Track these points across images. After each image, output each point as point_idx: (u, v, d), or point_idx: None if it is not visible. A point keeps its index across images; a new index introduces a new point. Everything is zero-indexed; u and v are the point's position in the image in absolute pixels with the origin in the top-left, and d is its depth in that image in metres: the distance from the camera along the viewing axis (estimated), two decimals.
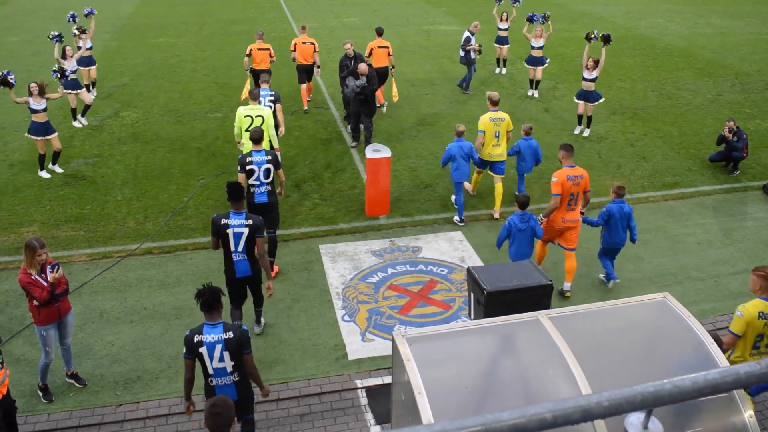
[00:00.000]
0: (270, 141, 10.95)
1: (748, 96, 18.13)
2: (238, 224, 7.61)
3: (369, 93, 13.33)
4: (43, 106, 12.10)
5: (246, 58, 15.64)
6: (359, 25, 25.18)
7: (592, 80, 14.36)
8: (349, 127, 14.64)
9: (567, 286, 9.37)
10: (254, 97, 11.31)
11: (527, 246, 8.82)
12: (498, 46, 19.16)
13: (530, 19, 17.48)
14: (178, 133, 14.94)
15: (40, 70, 19.00)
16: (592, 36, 14.65)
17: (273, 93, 12.13)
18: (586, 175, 9.16)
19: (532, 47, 17.03)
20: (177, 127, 15.33)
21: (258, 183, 9.22)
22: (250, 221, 7.62)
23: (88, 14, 16.97)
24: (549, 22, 17.16)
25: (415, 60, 21.05)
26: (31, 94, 11.97)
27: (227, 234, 7.64)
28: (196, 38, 24.06)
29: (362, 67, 13.26)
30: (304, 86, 16.19)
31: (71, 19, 16.28)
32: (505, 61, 19.57)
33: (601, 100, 14.74)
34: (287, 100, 16.19)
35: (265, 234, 7.86)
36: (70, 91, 14.37)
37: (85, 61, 16.13)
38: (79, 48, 15.51)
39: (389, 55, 15.70)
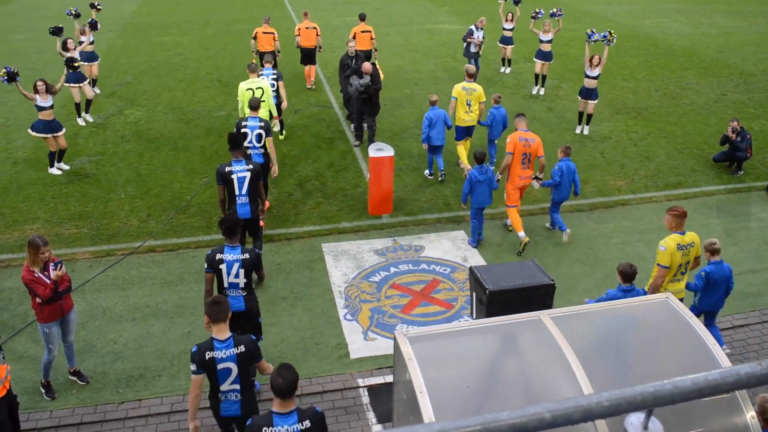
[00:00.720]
0: (270, 111, 12.18)
1: (752, 96, 18.08)
2: (240, 169, 8.66)
3: (372, 92, 13.32)
4: (49, 103, 12.14)
5: (252, 41, 17.03)
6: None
7: (595, 77, 14.34)
8: (352, 126, 14.65)
9: (521, 235, 10.49)
10: (252, 70, 12.20)
11: (487, 195, 10.29)
12: (502, 45, 19.12)
13: (534, 16, 17.43)
14: (182, 132, 14.96)
15: (44, 68, 19.05)
16: (592, 36, 14.57)
17: (276, 72, 13.33)
18: (538, 140, 10.49)
19: (541, 41, 17.00)
20: (180, 125, 15.35)
21: (251, 146, 10.32)
22: (251, 166, 8.76)
23: (92, 6, 17.03)
24: (559, 18, 17.13)
25: (418, 59, 21.04)
26: (37, 92, 11.99)
27: (232, 180, 8.72)
28: (200, 37, 24.08)
29: (366, 66, 13.25)
30: (307, 68, 17.78)
31: (72, 13, 16.30)
32: (509, 61, 19.55)
33: (597, 100, 14.74)
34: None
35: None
36: (73, 84, 14.39)
37: (88, 57, 16.16)
38: (80, 42, 15.54)
39: (372, 38, 17.11)
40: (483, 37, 17.69)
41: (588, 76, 14.40)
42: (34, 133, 12.37)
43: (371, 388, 7.68)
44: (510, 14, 18.67)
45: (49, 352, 7.28)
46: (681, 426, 4.61)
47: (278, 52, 16.89)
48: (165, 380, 7.76)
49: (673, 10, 30.21)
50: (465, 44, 17.71)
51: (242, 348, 5.69)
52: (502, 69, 19.70)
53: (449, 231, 11.06)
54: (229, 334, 5.69)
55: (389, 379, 7.48)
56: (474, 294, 6.94)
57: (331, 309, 9.05)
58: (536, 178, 10.59)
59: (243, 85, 11.90)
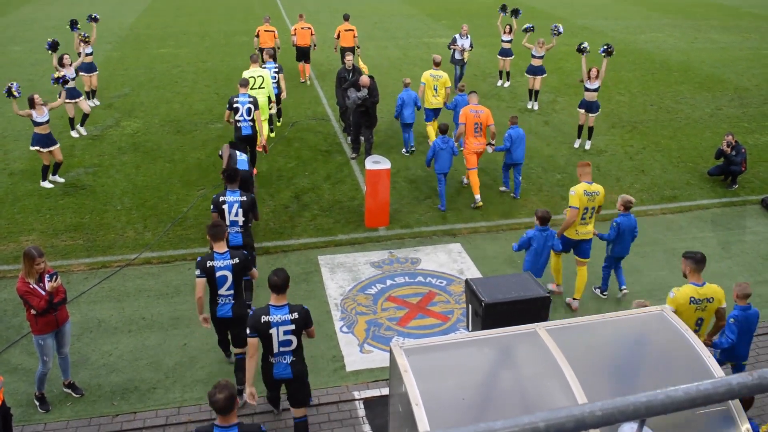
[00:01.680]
0: (269, 97, 14.02)
1: (746, 110, 18.20)
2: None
3: (370, 105, 13.37)
4: (46, 119, 12.13)
5: (255, 39, 18.68)
6: (360, 37, 25.27)
7: (595, 90, 14.41)
8: (348, 138, 14.69)
9: (477, 198, 12.19)
10: (254, 60, 14.12)
11: (447, 162, 11.83)
12: (501, 58, 19.23)
13: (529, 30, 17.54)
14: (179, 144, 14.98)
15: (41, 80, 19.08)
16: (584, 48, 14.67)
17: (277, 65, 15.09)
18: (487, 111, 12.29)
19: (533, 56, 17.11)
20: (177, 137, 15.38)
21: (242, 119, 12.06)
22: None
23: (91, 20, 17.08)
24: (555, 35, 17.18)
25: (416, 72, 21.07)
26: (33, 107, 11.99)
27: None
28: (198, 49, 24.16)
29: (364, 79, 13.32)
30: (301, 64, 19.65)
31: (72, 26, 16.36)
32: (508, 74, 19.64)
33: (599, 112, 14.80)
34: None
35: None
36: (68, 100, 14.41)
37: (87, 67, 16.20)
38: (79, 54, 15.59)
39: (354, 36, 19.01)
40: (471, 45, 18.29)
41: (588, 89, 14.47)
42: (33, 148, 12.36)
43: (367, 401, 7.66)
44: (508, 26, 18.78)
45: (43, 364, 7.24)
46: None
47: (278, 48, 18.51)
48: (160, 393, 7.73)
49: (669, 25, 30.43)
50: (452, 51, 18.41)
51: (236, 260, 7.17)
52: (499, 82, 19.78)
53: (445, 243, 11.08)
54: (226, 249, 7.22)
55: (385, 391, 7.46)
56: (470, 306, 6.94)
57: (327, 321, 9.04)
58: (489, 144, 12.43)
59: (246, 74, 13.61)
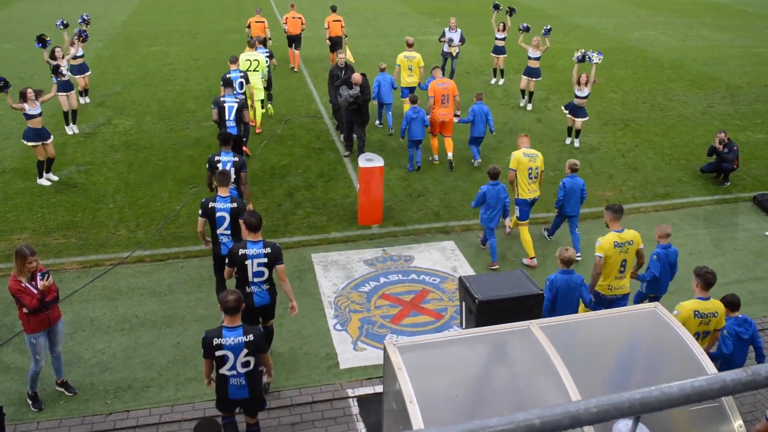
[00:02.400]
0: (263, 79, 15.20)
1: (738, 108, 18.27)
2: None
3: (362, 102, 13.35)
4: (38, 111, 12.09)
5: (247, 29, 19.57)
6: (353, 35, 25.23)
7: (584, 98, 14.44)
8: (341, 136, 14.68)
9: (449, 155, 13.51)
10: (251, 45, 15.29)
11: (420, 130, 13.01)
12: (495, 56, 19.23)
13: (525, 29, 17.54)
14: (171, 141, 14.93)
15: (32, 78, 18.98)
16: (580, 56, 14.66)
17: (268, 50, 16.44)
18: (452, 84, 13.75)
19: (529, 57, 17.07)
20: (170, 135, 15.33)
21: (236, 93, 12.96)
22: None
23: (81, 22, 16.97)
24: (547, 37, 17.21)
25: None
26: (26, 100, 11.94)
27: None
28: (190, 47, 24.07)
29: (356, 76, 13.29)
30: (291, 50, 20.90)
31: (61, 26, 16.25)
32: (502, 71, 19.64)
33: (586, 119, 14.84)
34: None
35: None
36: (62, 93, 14.33)
37: (78, 69, 16.11)
38: (75, 57, 15.51)
39: (342, 27, 19.87)
40: (461, 40, 18.58)
41: (577, 96, 14.47)
42: (26, 143, 12.31)
43: (361, 399, 7.66)
44: (502, 24, 18.77)
45: (35, 362, 7.22)
46: None
47: (269, 38, 19.44)
48: (153, 391, 7.71)
49: (661, 23, 30.51)
50: (442, 45, 18.94)
51: (235, 204, 8.22)
52: (493, 80, 19.79)
53: (439, 241, 11.09)
54: (227, 194, 8.27)
55: (379, 389, 7.47)
56: (463, 304, 6.96)
57: (321, 319, 9.03)
58: (455, 115, 13.69)
59: (242, 56, 14.76)
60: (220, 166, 9.48)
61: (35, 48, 14.57)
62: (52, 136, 12.54)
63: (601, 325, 5.72)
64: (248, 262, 7.24)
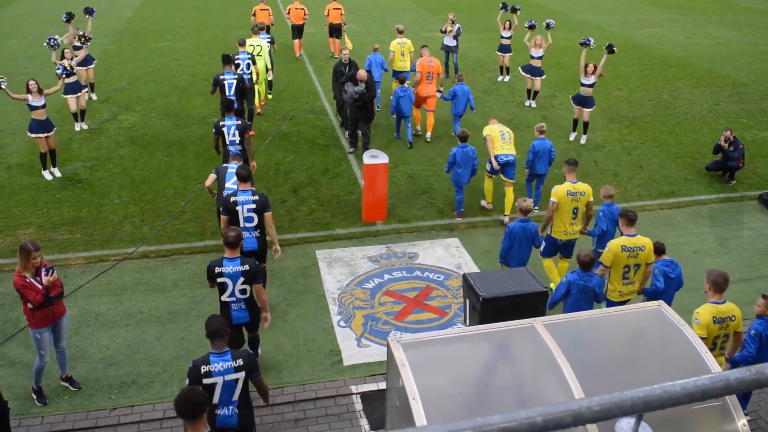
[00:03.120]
0: (266, 63, 16.10)
1: (744, 106, 18.20)
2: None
3: (367, 99, 13.35)
4: (42, 103, 12.09)
5: (252, 17, 20.19)
6: (358, 31, 25.21)
7: (590, 85, 14.38)
8: (346, 133, 14.68)
9: (428, 135, 15.05)
10: (255, 32, 16.58)
11: (408, 107, 14.26)
12: (501, 54, 19.17)
13: (532, 27, 17.49)
14: (176, 137, 14.95)
15: (37, 74, 18.98)
16: (586, 43, 14.68)
17: (269, 36, 17.82)
18: (438, 62, 15.00)
19: (532, 57, 17.02)
20: (175, 131, 15.34)
21: (243, 72, 14.18)
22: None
23: (87, 13, 16.94)
24: (549, 32, 17.16)
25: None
26: (29, 92, 11.95)
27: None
28: (196, 43, 24.07)
29: (361, 73, 13.29)
30: (296, 41, 21.73)
31: (66, 18, 16.23)
32: (507, 69, 19.60)
33: (593, 108, 14.77)
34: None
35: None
36: (70, 95, 14.37)
37: (83, 60, 16.09)
38: (75, 48, 15.49)
39: (342, 15, 20.92)
40: (459, 31, 18.88)
41: (583, 84, 14.43)
42: (31, 135, 12.34)
43: (364, 395, 7.67)
44: (508, 22, 18.71)
45: (40, 357, 7.24)
46: None
47: (272, 24, 20.46)
48: (157, 387, 7.73)
49: (667, 20, 30.39)
50: (443, 39, 19.28)
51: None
52: (500, 78, 19.74)
53: (443, 238, 11.08)
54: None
55: (382, 385, 7.47)
56: (467, 301, 6.95)
57: (325, 316, 9.04)
58: (438, 90, 14.99)
59: (248, 42, 15.60)
60: (225, 129, 10.57)
61: (41, 44, 14.57)
62: (55, 128, 12.56)
63: (605, 322, 5.72)
64: (239, 208, 8.29)
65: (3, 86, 11.72)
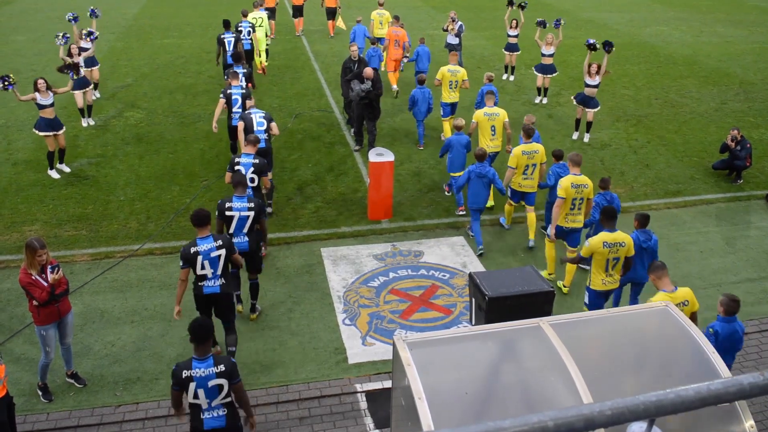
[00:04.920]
0: (266, 32, 19.09)
1: (752, 105, 18.11)
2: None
3: (374, 97, 13.34)
4: (50, 101, 12.08)
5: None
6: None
7: (595, 86, 14.32)
8: (352, 130, 14.67)
9: (394, 87, 17.50)
10: (256, 6, 19.23)
11: (376, 64, 15.65)
12: (507, 53, 19.10)
13: (541, 24, 17.43)
14: (182, 135, 14.96)
15: (44, 70, 19.03)
16: (592, 44, 14.62)
17: (267, 10, 20.21)
18: (403, 32, 17.52)
19: (543, 54, 16.97)
20: (181, 128, 15.35)
21: (245, 39, 17.06)
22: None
23: (91, 14, 16.96)
24: (560, 29, 17.12)
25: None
26: (38, 90, 11.95)
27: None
28: (202, 40, 24.09)
29: (368, 71, 13.26)
30: (296, 20, 24.62)
31: (72, 20, 16.24)
32: (513, 68, 19.53)
33: (598, 108, 14.71)
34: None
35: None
36: (78, 90, 14.38)
37: (88, 62, 16.10)
38: (81, 49, 15.50)
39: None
40: (461, 29, 19.12)
41: (588, 85, 14.37)
42: (38, 132, 12.34)
43: (369, 394, 7.66)
44: (515, 21, 18.65)
45: (45, 354, 7.25)
46: None
47: (277, 3, 23.61)
48: (162, 384, 7.74)
49: (674, 18, 30.28)
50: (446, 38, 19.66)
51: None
52: (505, 76, 19.68)
53: (448, 237, 11.06)
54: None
55: (387, 384, 7.47)
56: (473, 300, 6.93)
57: (330, 314, 9.03)
58: (405, 56, 17.38)
59: (250, 15, 18.33)
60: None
61: (48, 40, 14.60)
62: (64, 127, 12.57)
63: (611, 322, 5.69)
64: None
65: (11, 89, 11.70)
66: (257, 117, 10.90)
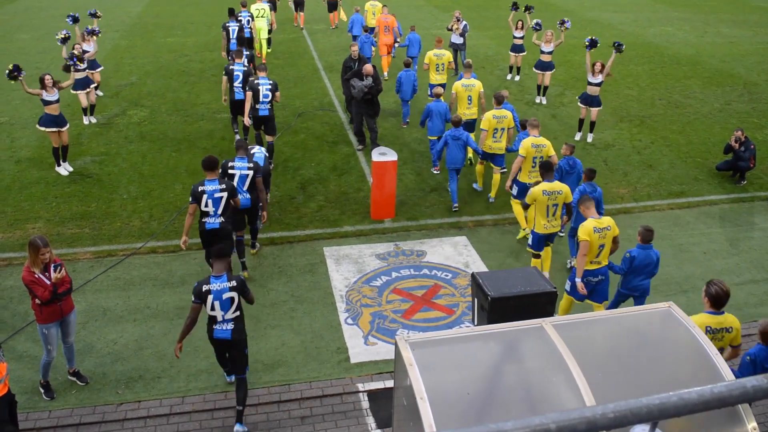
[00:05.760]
0: (268, 21, 20.89)
1: (756, 106, 18.07)
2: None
3: (375, 93, 13.40)
4: (56, 98, 12.12)
5: None
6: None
7: (598, 84, 14.29)
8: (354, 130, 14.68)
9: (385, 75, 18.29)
10: None
11: (368, 50, 17.60)
12: (513, 54, 19.06)
13: (537, 27, 17.44)
14: (185, 133, 14.97)
15: (48, 68, 19.05)
16: (593, 41, 14.61)
17: (269, 2, 21.81)
18: (392, 18, 19.17)
19: (542, 51, 16.97)
20: (184, 126, 15.36)
21: (245, 28, 18.27)
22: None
23: (91, 15, 16.94)
24: (563, 30, 17.09)
25: (421, 62, 21.00)
26: (44, 86, 11.97)
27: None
28: (205, 38, 24.11)
29: (367, 67, 13.35)
30: (296, 13, 25.91)
31: (72, 20, 16.24)
32: (518, 69, 19.52)
33: (600, 107, 14.69)
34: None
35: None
36: (80, 90, 14.39)
37: (90, 65, 16.07)
38: (84, 51, 15.49)
39: None
40: (465, 29, 19.19)
41: (590, 83, 14.35)
42: (41, 128, 12.36)
43: (371, 393, 7.65)
44: (520, 22, 18.61)
45: (47, 353, 7.26)
46: None
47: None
48: (165, 382, 7.74)
49: (678, 18, 30.21)
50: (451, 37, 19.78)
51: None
52: (509, 76, 19.66)
53: (451, 236, 11.05)
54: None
55: (389, 384, 7.46)
56: (476, 300, 6.92)
57: (332, 313, 9.03)
58: (395, 41, 19.09)
59: (252, 7, 20.02)
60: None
61: (52, 38, 14.61)
62: (68, 124, 12.59)
63: (614, 323, 5.68)
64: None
65: (21, 78, 11.74)
66: (263, 89, 12.14)
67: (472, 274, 6.95)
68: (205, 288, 6.72)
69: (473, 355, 5.26)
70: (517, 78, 19.56)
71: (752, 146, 13.18)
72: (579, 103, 14.83)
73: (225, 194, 8.66)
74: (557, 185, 9.28)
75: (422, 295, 9.45)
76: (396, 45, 19.30)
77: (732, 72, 21.26)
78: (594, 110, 14.59)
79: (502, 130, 11.71)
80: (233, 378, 7.39)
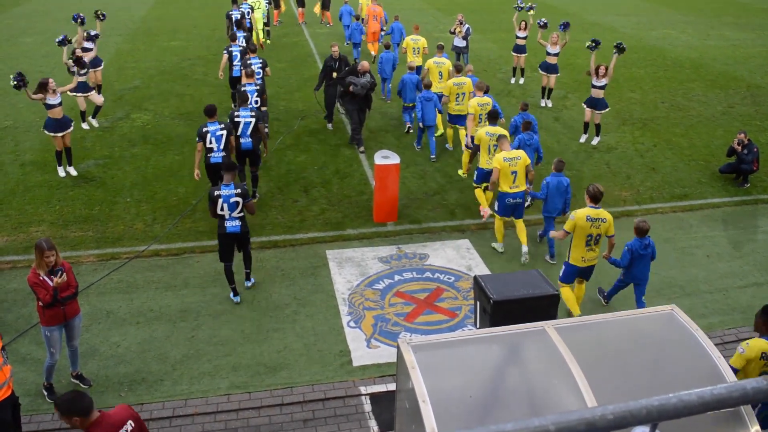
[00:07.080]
0: (266, 13, 23.07)
1: (759, 108, 18.05)
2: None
3: (371, 88, 14.07)
4: (58, 101, 12.16)
5: None
6: None
7: (601, 87, 14.28)
8: (329, 125, 15.65)
9: (365, 64, 16.11)
10: None
11: (358, 37, 20.92)
12: (516, 55, 19.04)
13: (543, 26, 17.44)
14: (189, 136, 14.98)
15: (52, 71, 19.12)
16: (595, 43, 14.63)
17: None
18: (380, 9, 21.47)
19: (548, 53, 16.93)
20: (187, 129, 15.38)
21: (246, 17, 20.24)
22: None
23: (97, 17, 16.97)
24: (567, 33, 17.10)
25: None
26: (46, 90, 12.01)
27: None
28: (208, 42, 24.16)
29: (364, 64, 14.05)
30: (299, 9, 27.93)
31: (77, 20, 16.26)
32: (522, 70, 19.48)
33: (606, 110, 14.67)
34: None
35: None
36: (80, 93, 14.42)
37: (92, 63, 16.09)
38: (84, 50, 15.50)
39: None
40: (468, 32, 19.34)
41: (594, 86, 14.34)
42: (47, 133, 12.41)
43: (374, 396, 7.66)
44: (523, 22, 18.60)
45: (50, 356, 7.27)
46: None
47: None
48: (167, 385, 7.75)
49: (681, 21, 30.20)
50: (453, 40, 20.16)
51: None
52: (513, 80, 19.65)
53: (454, 239, 11.05)
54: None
55: (392, 387, 7.47)
56: (478, 303, 6.92)
57: (335, 316, 9.04)
58: (381, 29, 21.38)
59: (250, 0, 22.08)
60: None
61: (55, 42, 14.62)
62: (72, 127, 12.63)
63: (617, 326, 5.67)
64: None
65: (24, 89, 11.75)
66: (256, 67, 13.90)
67: (475, 277, 6.95)
68: (216, 193, 8.78)
69: (475, 358, 5.26)
70: (521, 81, 19.55)
71: (755, 149, 13.16)
72: (585, 107, 14.80)
73: (225, 132, 10.72)
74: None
75: (425, 298, 9.45)
76: (382, 33, 21.52)
77: (735, 75, 21.25)
78: (598, 113, 14.56)
79: (462, 95, 13.70)
80: (249, 283, 9.60)
